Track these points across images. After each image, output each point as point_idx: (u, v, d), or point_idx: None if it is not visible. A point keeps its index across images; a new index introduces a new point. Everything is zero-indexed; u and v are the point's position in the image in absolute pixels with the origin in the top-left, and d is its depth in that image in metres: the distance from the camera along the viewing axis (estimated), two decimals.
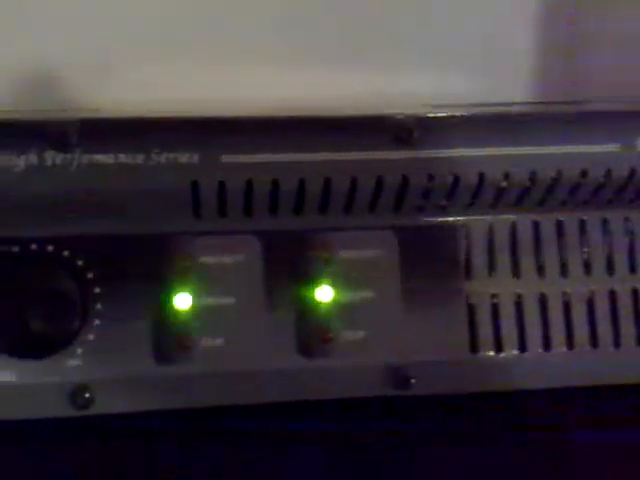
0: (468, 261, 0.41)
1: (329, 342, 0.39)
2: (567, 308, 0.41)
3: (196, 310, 0.39)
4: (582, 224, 0.42)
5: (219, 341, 0.39)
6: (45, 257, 0.38)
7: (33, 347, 0.37)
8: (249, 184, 0.37)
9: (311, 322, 0.39)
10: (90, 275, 0.38)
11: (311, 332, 0.39)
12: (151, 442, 0.39)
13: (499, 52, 0.53)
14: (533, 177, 0.39)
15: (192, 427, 0.40)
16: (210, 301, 0.39)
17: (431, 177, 0.38)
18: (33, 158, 0.35)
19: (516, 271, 0.41)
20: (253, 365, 0.39)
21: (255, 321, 0.39)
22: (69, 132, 0.35)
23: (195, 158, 0.36)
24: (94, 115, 0.38)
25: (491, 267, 0.41)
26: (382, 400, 0.40)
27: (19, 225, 0.37)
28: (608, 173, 0.39)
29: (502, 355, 0.41)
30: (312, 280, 0.39)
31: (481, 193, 0.39)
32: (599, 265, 0.42)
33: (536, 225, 0.41)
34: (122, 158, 0.36)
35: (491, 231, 0.41)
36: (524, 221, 0.41)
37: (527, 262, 0.41)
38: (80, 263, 0.38)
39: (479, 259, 0.41)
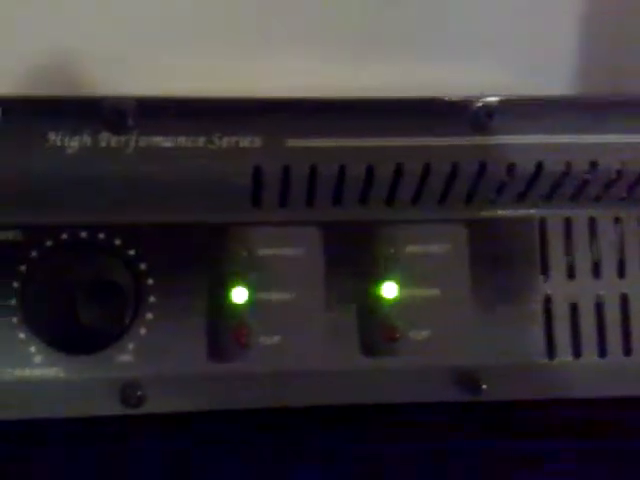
0: (545, 258, 0.38)
1: (393, 342, 0.37)
2: None
3: (252, 305, 0.37)
4: None
5: (276, 339, 0.37)
6: (96, 245, 0.36)
7: (82, 341, 0.35)
8: (314, 170, 0.35)
9: (374, 320, 0.37)
10: (143, 266, 0.36)
11: (374, 331, 0.37)
12: (204, 445, 0.38)
13: (545, 48, 0.51)
14: (622, 168, 0.36)
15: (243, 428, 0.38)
16: (268, 296, 0.37)
17: (510, 165, 0.35)
18: (87, 140, 0.33)
19: (597, 270, 0.38)
20: (312, 365, 0.37)
21: (315, 318, 0.37)
22: (126, 113, 0.33)
23: (258, 142, 0.34)
24: (153, 95, 0.36)
25: (570, 266, 0.38)
26: (449, 406, 0.38)
27: (69, 211, 0.35)
28: None
29: (581, 360, 0.38)
30: (376, 276, 0.37)
31: (563, 184, 0.36)
32: None
33: (619, 222, 0.38)
34: (182, 141, 0.34)
35: (570, 227, 0.38)
36: (606, 217, 0.38)
37: (608, 261, 0.38)
38: (132, 253, 0.36)
39: (557, 257, 0.38)
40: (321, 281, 0.37)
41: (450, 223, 0.37)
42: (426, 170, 0.35)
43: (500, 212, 0.38)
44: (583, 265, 0.38)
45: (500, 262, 0.38)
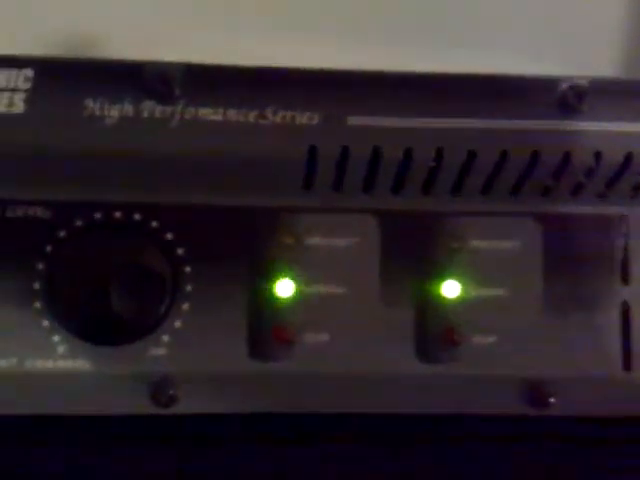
0: (625, 262, 0.34)
1: (453, 347, 0.33)
2: None
3: (299, 299, 0.33)
4: None
5: (324, 337, 0.34)
6: (131, 226, 0.33)
7: (112, 331, 0.32)
8: (376, 152, 0.32)
9: (433, 321, 0.34)
10: (180, 251, 0.33)
11: (432, 333, 0.34)
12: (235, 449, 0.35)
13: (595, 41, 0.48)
14: None
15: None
16: (315, 290, 0.33)
17: (598, 155, 0.32)
18: (128, 109, 0.30)
19: None
20: (361, 368, 0.33)
21: (367, 316, 0.33)
22: (172, 80, 0.30)
23: (316, 119, 0.31)
24: (202, 62, 0.32)
25: None
26: (512, 419, 0.35)
27: (103, 187, 0.32)
28: None
29: None
30: (437, 272, 0.34)
31: None
32: None
33: None
34: (231, 114, 0.30)
35: None
36: None
37: None
38: (170, 236, 0.33)
39: (639, 260, 0.35)
40: (375, 276, 0.34)
41: (523, 217, 0.34)
42: (502, 157, 0.32)
43: (579, 207, 0.34)
44: None
45: (576, 263, 0.34)
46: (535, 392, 0.34)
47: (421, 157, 0.32)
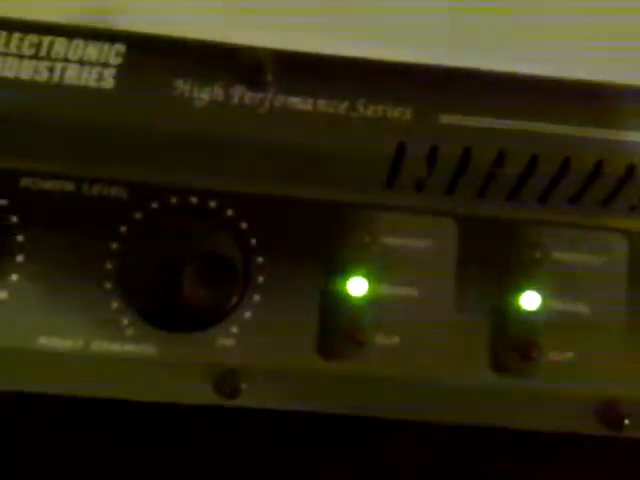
0: None
1: (529, 360, 0.32)
2: None
3: (371, 299, 0.32)
4: None
5: (395, 339, 0.33)
6: (205, 213, 0.32)
7: (182, 318, 0.31)
8: (467, 154, 0.30)
9: (510, 333, 0.32)
10: (254, 241, 0.32)
11: (508, 345, 0.32)
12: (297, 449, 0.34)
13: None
14: None
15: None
16: (389, 290, 0.32)
17: None
18: (218, 92, 0.29)
19: None
20: (432, 374, 0.32)
21: (441, 321, 0.32)
22: (265, 67, 0.29)
23: (408, 114, 0.30)
24: (293, 49, 0.32)
25: None
26: (585, 439, 0.33)
27: (182, 172, 0.31)
28: None
29: None
30: (516, 282, 0.32)
31: None
32: None
33: None
34: (321, 105, 0.29)
35: None
36: None
37: None
38: (244, 226, 0.32)
39: None
40: (451, 280, 0.32)
41: (611, 231, 0.32)
42: (597, 168, 0.30)
43: None
44: None
45: None
46: (609, 412, 0.33)
47: (513, 161, 0.30)
